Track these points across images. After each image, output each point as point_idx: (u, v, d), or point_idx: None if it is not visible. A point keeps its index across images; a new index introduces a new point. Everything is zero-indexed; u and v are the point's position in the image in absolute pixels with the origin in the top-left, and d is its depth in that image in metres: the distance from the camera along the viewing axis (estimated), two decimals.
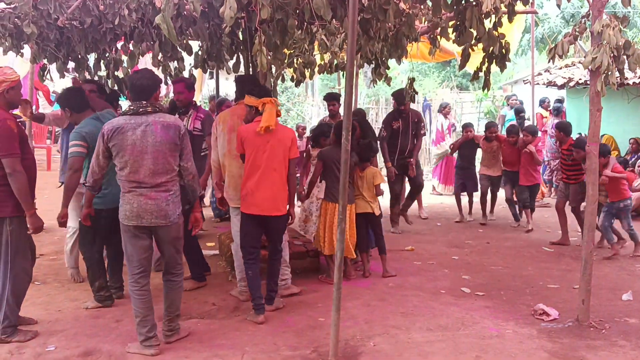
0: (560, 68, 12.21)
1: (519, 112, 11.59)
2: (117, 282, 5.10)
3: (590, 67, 4.32)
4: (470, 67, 6.29)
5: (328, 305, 4.29)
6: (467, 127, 8.99)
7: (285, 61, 6.82)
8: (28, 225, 4.18)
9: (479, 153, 8.97)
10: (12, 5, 4.80)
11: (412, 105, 8.12)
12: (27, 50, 6.29)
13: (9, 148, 3.97)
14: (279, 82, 7.99)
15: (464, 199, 8.99)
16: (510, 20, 5.12)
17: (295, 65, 7.27)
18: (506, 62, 5.65)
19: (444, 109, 11.62)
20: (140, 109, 3.86)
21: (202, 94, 16.71)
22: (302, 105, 19.37)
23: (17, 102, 4.37)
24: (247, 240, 4.66)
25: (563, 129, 7.31)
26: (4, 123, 3.96)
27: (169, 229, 3.95)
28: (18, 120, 11.95)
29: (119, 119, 3.93)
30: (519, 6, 5.39)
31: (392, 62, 7.19)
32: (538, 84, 11.83)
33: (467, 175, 8.95)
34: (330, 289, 4.04)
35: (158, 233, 3.97)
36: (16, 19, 4.96)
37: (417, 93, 7.25)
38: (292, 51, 6.99)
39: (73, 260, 5.52)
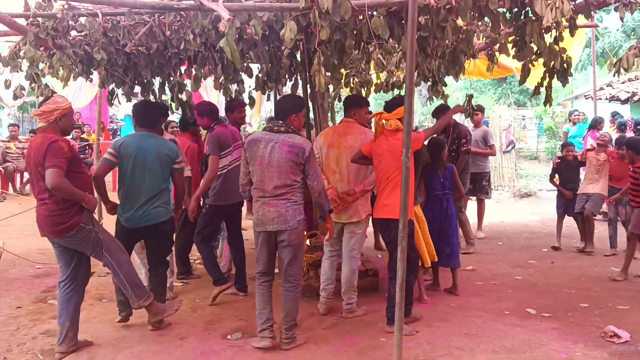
0: (623, 82, 11.89)
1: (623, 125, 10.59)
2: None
3: None
4: (530, 83, 6.18)
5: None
6: (567, 146, 8.30)
7: (342, 80, 6.88)
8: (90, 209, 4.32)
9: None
10: (83, 33, 5.03)
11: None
12: (94, 75, 6.56)
13: (54, 161, 4.00)
14: (336, 101, 8.07)
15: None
16: (572, 34, 5.01)
17: (352, 85, 7.32)
18: (568, 77, 5.53)
19: (599, 124, 10.79)
20: (275, 127, 4.37)
21: (260, 115, 17.03)
22: None
23: (70, 129, 4.47)
24: None
25: (633, 146, 6.54)
26: (55, 143, 4.03)
27: (289, 233, 4.31)
28: (86, 143, 12.20)
29: (259, 132, 4.50)
30: (580, 20, 5.28)
31: (448, 79, 7.14)
32: (600, 98, 11.52)
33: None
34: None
35: (280, 237, 4.34)
36: (86, 46, 5.19)
37: (475, 109, 7.12)
38: (348, 70, 7.05)
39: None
